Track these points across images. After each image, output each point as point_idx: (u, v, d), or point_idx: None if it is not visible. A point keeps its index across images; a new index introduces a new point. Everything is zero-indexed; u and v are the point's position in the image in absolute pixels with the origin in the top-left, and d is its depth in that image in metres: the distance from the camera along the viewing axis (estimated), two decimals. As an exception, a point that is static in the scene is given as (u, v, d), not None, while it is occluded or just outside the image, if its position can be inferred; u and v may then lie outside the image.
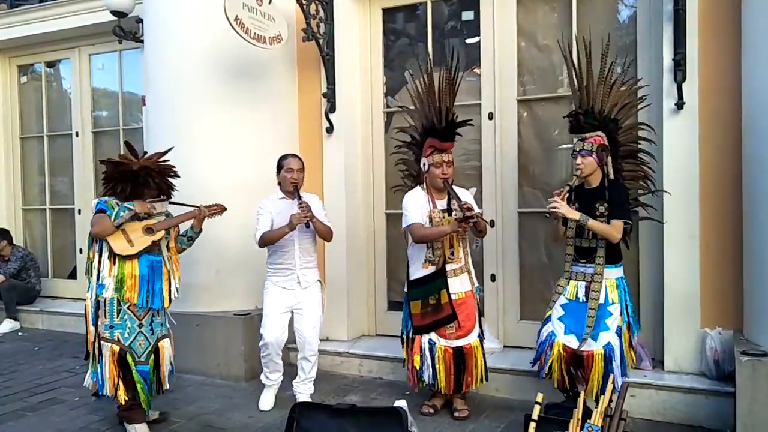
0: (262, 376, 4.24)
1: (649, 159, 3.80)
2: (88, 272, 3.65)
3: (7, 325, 6.59)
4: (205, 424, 3.90)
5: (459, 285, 3.92)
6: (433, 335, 3.90)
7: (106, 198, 3.65)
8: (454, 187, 3.92)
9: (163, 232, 3.67)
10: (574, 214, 3.47)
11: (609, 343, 3.45)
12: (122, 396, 3.53)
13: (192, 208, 3.88)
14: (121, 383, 3.54)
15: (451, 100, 3.93)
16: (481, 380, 3.96)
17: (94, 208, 3.64)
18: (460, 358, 3.86)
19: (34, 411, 4.17)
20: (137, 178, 3.63)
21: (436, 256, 3.89)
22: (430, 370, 3.89)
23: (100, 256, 3.59)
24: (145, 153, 3.80)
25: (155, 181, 3.71)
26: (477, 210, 3.91)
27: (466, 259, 3.99)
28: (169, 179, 3.82)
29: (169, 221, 3.76)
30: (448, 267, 3.88)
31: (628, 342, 3.52)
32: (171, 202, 3.90)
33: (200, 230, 3.93)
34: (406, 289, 4.08)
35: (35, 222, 7.64)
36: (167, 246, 3.76)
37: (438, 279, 3.86)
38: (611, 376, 3.31)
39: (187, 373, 4.79)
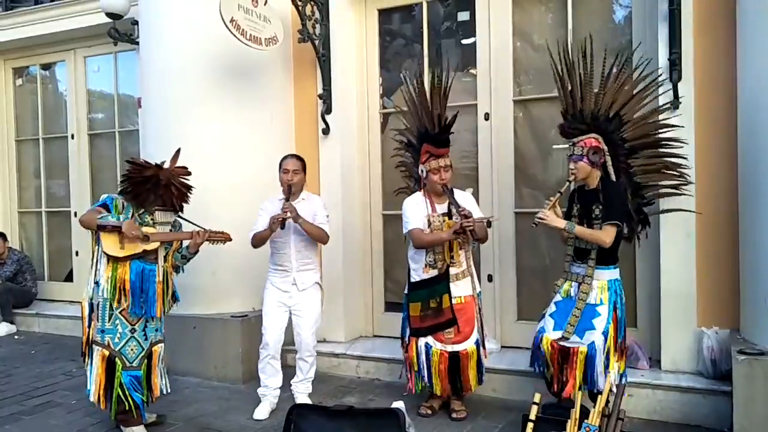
0: (259, 389, 4.15)
1: (674, 147, 3.68)
2: (91, 267, 3.65)
3: (4, 329, 6.56)
4: (202, 427, 3.89)
5: (460, 289, 3.90)
6: (429, 339, 3.89)
7: (115, 195, 3.65)
8: (456, 190, 3.93)
9: (158, 243, 3.63)
10: (559, 223, 3.49)
11: (593, 342, 3.44)
12: (103, 402, 3.56)
13: (195, 228, 3.80)
14: (105, 390, 3.54)
15: (443, 106, 3.91)
16: (478, 383, 3.95)
17: (96, 204, 3.66)
18: (456, 362, 3.85)
19: (31, 414, 4.16)
20: (156, 189, 3.61)
21: (437, 261, 3.88)
22: (426, 373, 3.88)
23: (99, 253, 3.58)
24: (163, 162, 3.75)
25: (171, 200, 3.68)
26: (479, 214, 3.89)
27: (468, 263, 3.96)
28: (182, 198, 3.77)
29: (166, 235, 3.72)
30: (451, 271, 3.88)
31: (613, 345, 3.48)
32: (180, 217, 3.88)
33: (196, 251, 3.85)
34: (406, 291, 4.06)
35: (31, 225, 7.63)
36: (164, 257, 3.73)
37: (440, 283, 3.85)
38: (608, 376, 3.32)
39: (184, 375, 4.79)
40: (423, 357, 3.89)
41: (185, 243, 3.85)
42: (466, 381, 3.88)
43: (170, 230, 3.79)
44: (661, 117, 3.73)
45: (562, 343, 3.51)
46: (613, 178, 3.59)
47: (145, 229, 3.60)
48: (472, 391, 3.96)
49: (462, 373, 3.87)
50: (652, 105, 3.76)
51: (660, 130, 3.67)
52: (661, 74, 3.82)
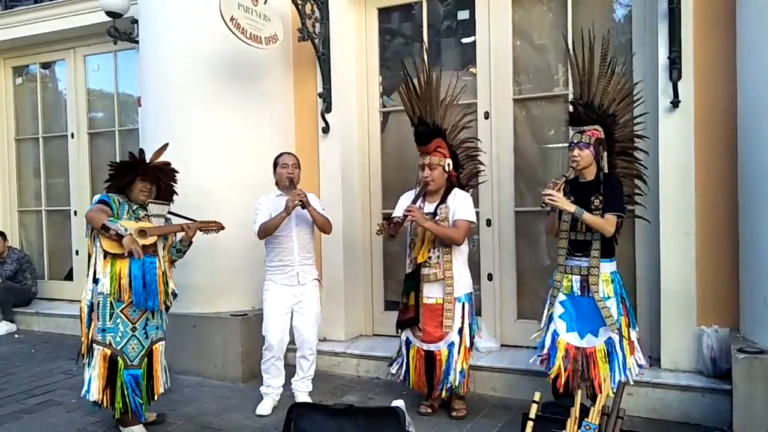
0: (261, 387, 4.18)
1: (642, 156, 3.79)
2: (89, 268, 3.65)
3: (4, 327, 6.56)
4: (202, 426, 3.89)
5: (434, 290, 3.90)
6: (410, 334, 3.96)
7: (110, 194, 3.68)
8: (456, 190, 3.96)
9: (155, 237, 3.66)
10: (569, 207, 3.46)
11: (610, 338, 3.46)
12: (107, 402, 3.56)
13: (187, 221, 3.86)
14: (107, 389, 3.54)
15: (423, 105, 3.93)
16: (448, 391, 3.88)
17: (94, 200, 3.68)
18: (431, 362, 3.88)
19: (31, 413, 4.16)
20: (137, 169, 3.68)
21: (411, 258, 3.96)
22: (404, 366, 3.98)
23: (96, 251, 3.59)
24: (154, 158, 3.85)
25: (158, 176, 3.75)
26: (469, 215, 3.88)
27: (448, 267, 3.87)
28: (171, 183, 3.85)
29: (162, 228, 3.75)
30: (423, 271, 3.90)
31: (627, 335, 3.51)
32: (170, 212, 3.91)
33: (190, 243, 3.89)
34: None
35: (31, 224, 7.63)
36: (162, 249, 3.76)
37: (411, 280, 3.93)
38: (609, 375, 3.32)
39: (184, 374, 4.79)
40: (403, 349, 4.01)
41: (178, 236, 3.89)
42: (437, 383, 3.89)
43: (164, 223, 3.82)
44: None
45: (577, 344, 3.52)
46: (606, 171, 3.62)
47: (141, 224, 3.63)
48: (439, 396, 3.94)
49: (435, 375, 3.89)
50: (635, 111, 3.82)
51: (636, 139, 3.76)
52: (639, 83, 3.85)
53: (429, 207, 3.95)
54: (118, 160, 3.83)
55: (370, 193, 5.24)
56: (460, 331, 3.87)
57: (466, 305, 3.92)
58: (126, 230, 3.49)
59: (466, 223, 3.88)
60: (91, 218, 3.52)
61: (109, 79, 6.91)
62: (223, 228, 3.98)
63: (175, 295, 3.84)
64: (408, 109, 4.00)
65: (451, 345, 3.86)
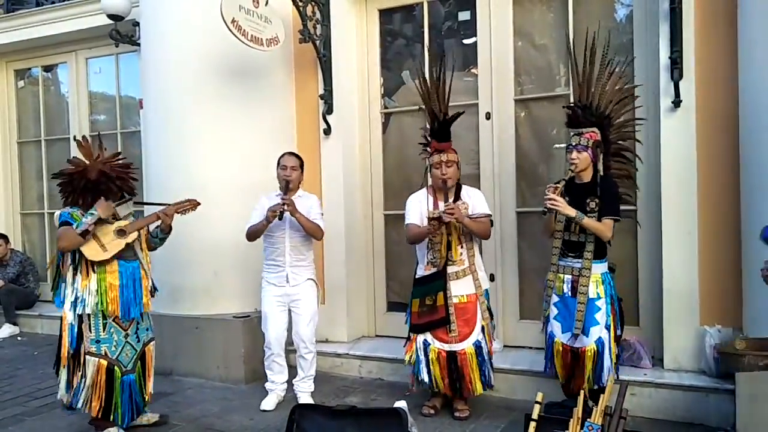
0: (266, 384, 4.24)
1: (641, 156, 3.83)
2: (56, 287, 3.59)
3: (7, 330, 6.58)
4: (205, 427, 3.89)
5: (462, 288, 3.89)
6: (428, 336, 3.90)
7: (69, 210, 3.55)
8: (464, 187, 3.96)
9: (135, 233, 3.59)
10: (570, 211, 3.48)
11: (600, 338, 3.49)
12: (99, 411, 3.53)
13: (161, 207, 3.75)
14: (103, 398, 3.51)
15: (442, 101, 3.93)
16: (484, 387, 3.89)
17: (57, 220, 3.56)
18: (453, 362, 3.85)
19: (34, 415, 4.16)
20: (98, 185, 3.54)
21: (436, 258, 3.89)
22: (425, 370, 3.90)
23: (75, 270, 3.51)
24: (98, 156, 3.67)
25: (116, 185, 3.60)
26: (485, 210, 3.91)
27: (472, 261, 3.93)
28: (130, 179, 3.70)
29: (140, 222, 3.66)
30: (450, 269, 3.87)
31: (614, 337, 3.55)
32: (137, 203, 3.83)
33: (170, 230, 3.78)
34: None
35: (33, 226, 7.63)
36: (141, 247, 3.70)
37: (437, 280, 3.86)
38: (611, 375, 3.32)
39: (186, 375, 4.79)
40: (421, 354, 3.91)
41: (152, 226, 3.78)
42: (468, 383, 3.86)
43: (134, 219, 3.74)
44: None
45: (571, 344, 3.55)
46: (602, 173, 3.63)
47: (117, 224, 3.56)
48: (473, 394, 3.92)
49: (463, 375, 3.85)
50: (628, 115, 3.86)
51: (626, 141, 3.81)
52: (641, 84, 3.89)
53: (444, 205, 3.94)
54: (68, 172, 3.67)
55: (372, 194, 5.24)
56: (483, 328, 3.90)
57: (486, 301, 3.97)
58: (93, 213, 3.41)
59: (489, 217, 3.94)
60: (68, 244, 3.43)
61: (110, 82, 6.92)
62: (199, 204, 3.84)
63: (156, 289, 3.78)
64: (434, 105, 3.94)
65: (477, 343, 3.85)
